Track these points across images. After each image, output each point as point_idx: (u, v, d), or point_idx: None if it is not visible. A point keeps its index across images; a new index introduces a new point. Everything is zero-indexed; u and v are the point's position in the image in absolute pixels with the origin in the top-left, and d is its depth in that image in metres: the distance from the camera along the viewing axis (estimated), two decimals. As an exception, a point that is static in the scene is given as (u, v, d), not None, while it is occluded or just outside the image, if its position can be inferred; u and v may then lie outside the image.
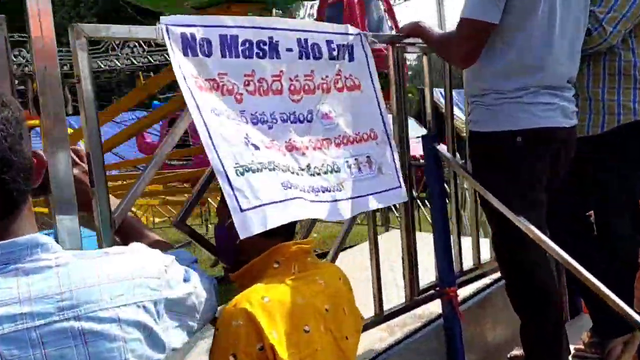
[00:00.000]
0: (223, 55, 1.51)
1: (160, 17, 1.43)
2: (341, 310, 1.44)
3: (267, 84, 1.62)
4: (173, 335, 1.10)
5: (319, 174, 1.69)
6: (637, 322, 1.74)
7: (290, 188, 1.50)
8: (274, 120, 1.62)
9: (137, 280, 1.01)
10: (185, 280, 1.18)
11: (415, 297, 2.23)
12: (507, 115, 1.92)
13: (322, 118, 1.76)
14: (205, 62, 1.47)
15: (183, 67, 1.41)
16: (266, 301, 1.27)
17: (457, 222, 2.44)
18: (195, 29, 1.47)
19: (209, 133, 1.38)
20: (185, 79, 1.40)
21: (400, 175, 1.90)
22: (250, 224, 1.36)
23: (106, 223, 1.36)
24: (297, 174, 1.61)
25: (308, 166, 1.67)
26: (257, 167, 1.44)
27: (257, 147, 1.49)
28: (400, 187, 1.90)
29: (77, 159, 1.39)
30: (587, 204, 2.39)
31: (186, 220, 1.59)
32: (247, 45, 1.57)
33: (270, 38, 1.62)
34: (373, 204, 1.83)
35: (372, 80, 1.89)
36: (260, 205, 1.39)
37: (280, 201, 1.44)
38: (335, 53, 1.78)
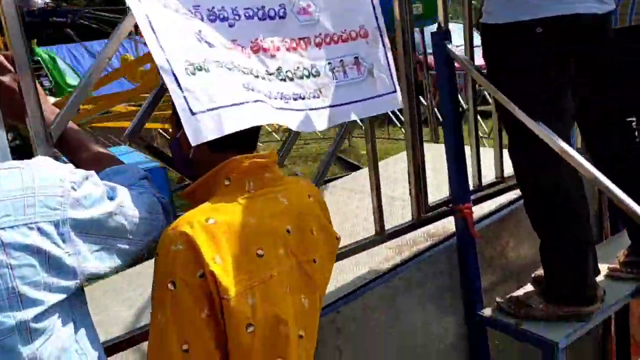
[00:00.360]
0: None
1: None
2: (308, 231, 1.28)
3: None
4: (91, 260, 0.97)
5: (291, 78, 1.47)
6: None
7: (253, 90, 1.30)
8: (237, 17, 1.40)
9: (29, 198, 0.87)
10: (110, 198, 1.04)
11: (423, 214, 2.04)
12: (524, 2, 1.61)
13: (299, 13, 1.52)
14: None
15: None
16: (210, 223, 1.11)
17: (475, 131, 2.18)
18: None
19: (150, 24, 1.18)
20: None
21: (395, 78, 1.66)
22: (202, 129, 1.17)
23: (40, 136, 1.22)
24: (264, 79, 1.40)
25: (279, 69, 1.45)
26: (212, 65, 1.24)
27: (211, 45, 1.29)
28: (395, 91, 1.66)
29: (8, 66, 1.24)
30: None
31: (139, 132, 1.43)
32: None
33: None
34: (361, 111, 1.60)
35: None
36: (215, 108, 1.20)
37: (240, 103, 1.25)
38: None
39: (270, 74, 1.43)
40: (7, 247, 0.83)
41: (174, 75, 1.17)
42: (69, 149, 1.28)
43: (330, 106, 1.53)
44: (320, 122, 1.50)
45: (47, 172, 0.92)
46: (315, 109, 1.50)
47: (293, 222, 1.24)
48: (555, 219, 1.81)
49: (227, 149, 1.23)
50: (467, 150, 2.14)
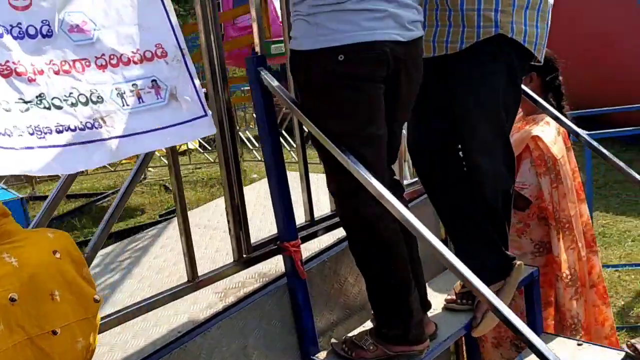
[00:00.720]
0: None
1: None
2: (45, 297, 1.05)
3: None
4: None
5: (59, 106, 1.26)
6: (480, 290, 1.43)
7: None
8: None
9: None
10: None
11: (246, 254, 1.87)
12: (325, 28, 1.50)
13: (71, 31, 1.31)
14: None
15: None
16: None
17: (304, 162, 2.06)
18: None
19: None
20: None
21: (204, 100, 1.49)
22: None
23: None
24: (9, 111, 1.17)
25: (40, 96, 1.23)
26: None
27: None
28: (205, 115, 1.49)
29: None
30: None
31: None
32: None
33: None
34: (165, 140, 1.43)
35: None
36: None
37: None
38: None
39: (27, 102, 1.21)
40: None
41: None
42: None
43: (119, 137, 1.33)
44: (102, 156, 1.30)
45: None
46: (93, 141, 1.29)
47: (21, 288, 1.01)
48: (371, 258, 1.71)
49: None
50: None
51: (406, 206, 1.74)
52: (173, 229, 2.97)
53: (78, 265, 1.15)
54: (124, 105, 1.36)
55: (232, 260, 1.86)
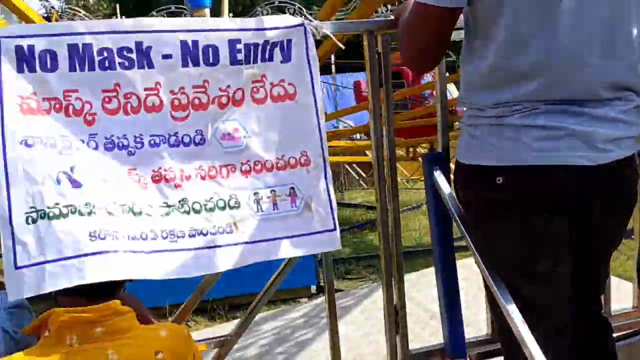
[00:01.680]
0: (72, 69, 1.30)
1: None
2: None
3: (139, 100, 1.35)
4: None
5: (198, 211, 1.37)
6: None
7: (105, 238, 1.22)
8: (139, 145, 1.35)
9: None
10: None
11: (400, 364, 1.73)
12: (484, 142, 1.29)
13: (222, 139, 1.42)
14: (46, 78, 1.28)
15: (8, 87, 1.24)
16: (5, 378, 1.07)
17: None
18: (36, 40, 1.28)
19: (5, 170, 1.20)
20: (2, 102, 1.23)
21: (335, 213, 1.45)
22: (22, 286, 1.16)
23: None
24: (150, 215, 1.32)
25: (182, 201, 1.36)
26: (60, 211, 1.20)
27: (78, 185, 1.25)
28: (334, 229, 1.45)
29: None
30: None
31: None
32: (105, 54, 1.31)
33: (139, 43, 1.34)
34: (289, 250, 1.43)
35: (312, 87, 1.46)
36: (41, 263, 1.17)
37: (77, 256, 1.19)
38: (241, 56, 1.40)
39: (169, 206, 1.36)
40: None
41: (11, 224, 1.16)
42: None
43: (247, 242, 1.39)
44: (227, 260, 1.37)
45: None
46: (221, 245, 1.37)
47: (115, 385, 1.13)
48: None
49: (75, 293, 1.18)
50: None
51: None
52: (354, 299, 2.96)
53: (181, 364, 1.23)
54: (258, 211, 1.39)
55: (386, 364, 1.75)
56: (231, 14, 13.29)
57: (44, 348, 1.13)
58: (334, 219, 1.45)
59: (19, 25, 1.36)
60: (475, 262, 1.42)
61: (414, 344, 1.76)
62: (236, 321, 3.28)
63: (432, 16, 1.22)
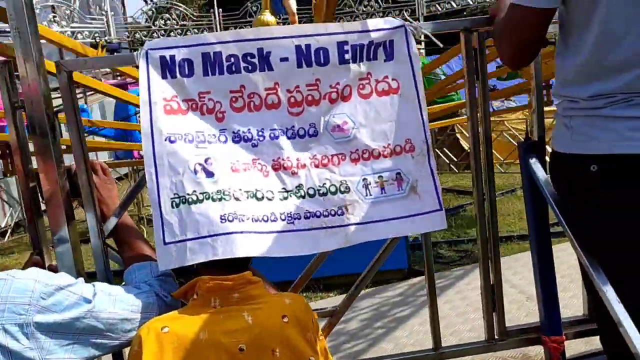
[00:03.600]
0: (205, 74, 1.52)
1: (146, 42, 1.53)
2: (267, 351, 1.36)
3: (261, 99, 1.56)
4: (59, 352, 1.26)
5: (312, 195, 1.56)
6: None
7: (232, 221, 1.44)
8: (261, 138, 1.56)
9: (0, 305, 1.20)
10: (87, 302, 1.32)
11: (497, 336, 1.85)
12: (579, 133, 1.37)
13: (333, 131, 1.59)
14: (184, 83, 1.51)
15: (154, 91, 1.49)
16: (165, 331, 1.31)
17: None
18: (176, 51, 1.51)
19: (155, 163, 1.45)
20: (151, 104, 1.48)
21: (440, 194, 1.58)
22: (169, 259, 1.42)
23: (94, 230, 1.58)
24: (271, 199, 1.52)
25: (299, 187, 1.56)
26: (197, 197, 1.44)
27: (210, 175, 1.47)
28: (440, 209, 1.58)
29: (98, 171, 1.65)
30: None
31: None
32: (232, 60, 1.53)
33: (260, 50, 1.54)
34: (399, 229, 1.58)
35: (415, 81, 1.59)
36: (183, 240, 1.41)
37: (210, 236, 1.41)
38: (349, 56, 1.56)
39: (287, 191, 1.55)
40: None
41: (160, 208, 1.41)
42: (117, 243, 1.62)
43: (357, 223, 1.55)
44: (338, 240, 1.54)
45: (21, 284, 1.24)
46: (333, 227, 1.55)
47: (250, 341, 1.35)
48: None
49: (215, 266, 1.41)
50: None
51: None
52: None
53: (303, 328, 1.43)
54: (367, 195, 1.55)
55: (482, 338, 1.87)
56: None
57: (194, 308, 1.37)
58: (439, 200, 1.57)
59: (163, 39, 1.61)
60: (572, 246, 1.51)
61: (510, 323, 1.86)
62: (334, 298, 3.51)
63: (527, 16, 1.32)
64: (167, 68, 1.51)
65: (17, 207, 7.82)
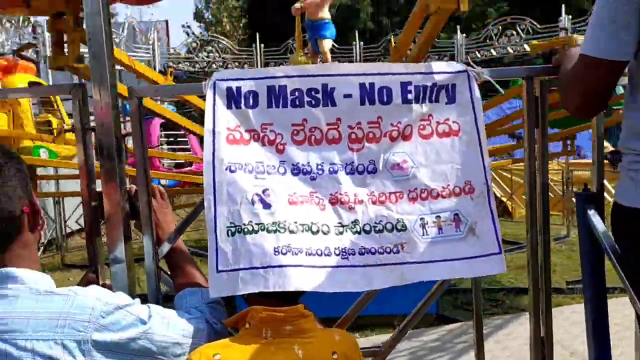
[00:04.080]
0: (269, 106, 1.56)
1: (214, 73, 1.58)
2: (317, 386, 1.35)
3: (322, 133, 1.58)
4: None
5: (368, 231, 1.56)
6: None
7: (287, 254, 1.44)
8: (320, 171, 1.57)
9: (61, 321, 1.22)
10: (143, 323, 1.32)
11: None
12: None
13: (392, 169, 1.59)
14: (248, 113, 1.55)
15: (219, 121, 1.52)
16: (216, 358, 1.31)
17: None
18: (243, 82, 1.55)
19: (214, 191, 1.47)
20: (214, 133, 1.51)
21: (500, 237, 1.56)
22: (221, 286, 1.42)
23: (149, 252, 1.61)
24: (327, 233, 1.52)
25: (355, 222, 1.56)
26: (252, 227, 1.45)
27: (267, 206, 1.48)
28: (499, 252, 1.55)
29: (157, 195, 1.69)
30: None
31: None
32: (296, 94, 1.56)
33: (325, 85, 1.57)
34: (455, 271, 1.55)
35: (476, 124, 1.60)
36: (236, 269, 1.42)
37: (263, 267, 1.42)
38: (411, 96, 1.58)
39: (344, 226, 1.55)
40: (35, 354, 1.18)
41: (216, 236, 1.43)
42: (170, 267, 1.64)
43: (412, 263, 1.54)
44: (392, 278, 1.53)
45: (83, 301, 1.26)
46: (387, 264, 1.54)
47: (300, 375, 1.34)
48: None
49: (269, 296, 1.41)
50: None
51: None
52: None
53: (350, 367, 1.41)
54: (423, 235, 1.54)
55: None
56: (362, 42, 13.81)
57: (246, 338, 1.37)
58: (498, 242, 1.55)
59: (231, 70, 1.66)
60: (630, 301, 1.47)
61: (556, 378, 1.80)
62: (375, 337, 3.45)
63: (597, 67, 1.32)
64: (233, 99, 1.54)
65: (52, 226, 7.99)
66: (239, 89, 1.55)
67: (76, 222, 8.15)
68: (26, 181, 1.33)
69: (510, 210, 9.70)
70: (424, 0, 2.01)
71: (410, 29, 2.27)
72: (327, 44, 1.73)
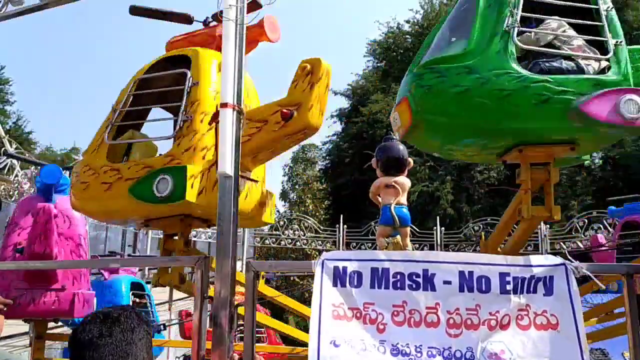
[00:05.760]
0: (372, 287, 1.67)
1: (323, 252, 1.74)
2: None
3: (421, 316, 1.65)
4: None
5: None
6: None
7: None
8: (419, 354, 1.61)
9: None
10: None
11: None
12: None
13: (490, 357, 1.61)
14: (352, 292, 1.67)
15: (325, 297, 1.64)
16: None
17: None
18: (349, 263, 1.70)
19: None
20: (321, 308, 1.62)
21: None
22: None
23: None
24: None
25: None
26: None
27: None
28: None
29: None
30: None
31: None
32: (398, 277, 1.67)
33: (425, 270, 1.67)
34: None
35: (575, 319, 1.62)
36: None
37: None
38: (510, 287, 1.64)
39: None
40: None
41: None
42: None
43: None
44: None
45: None
46: None
47: None
48: None
49: None
50: None
51: None
52: None
53: None
54: None
55: None
56: (442, 228, 14.00)
57: None
58: None
59: (336, 252, 1.82)
60: None
61: None
62: None
63: None
64: (339, 277, 1.68)
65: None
66: (344, 268, 1.68)
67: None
68: (150, 344, 1.46)
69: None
70: (517, 204, 2.16)
71: (502, 231, 2.41)
72: (408, 242, 1.90)
